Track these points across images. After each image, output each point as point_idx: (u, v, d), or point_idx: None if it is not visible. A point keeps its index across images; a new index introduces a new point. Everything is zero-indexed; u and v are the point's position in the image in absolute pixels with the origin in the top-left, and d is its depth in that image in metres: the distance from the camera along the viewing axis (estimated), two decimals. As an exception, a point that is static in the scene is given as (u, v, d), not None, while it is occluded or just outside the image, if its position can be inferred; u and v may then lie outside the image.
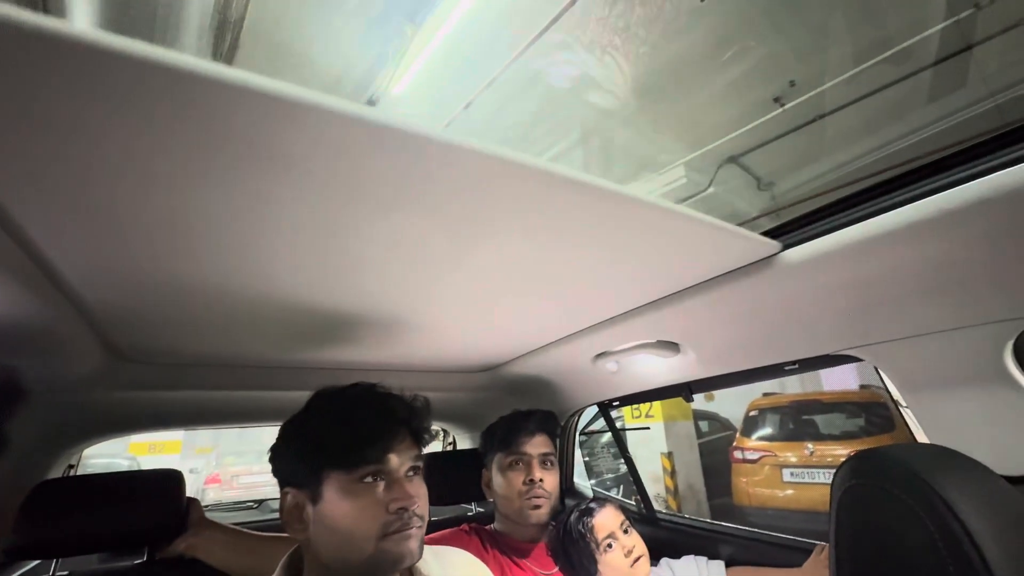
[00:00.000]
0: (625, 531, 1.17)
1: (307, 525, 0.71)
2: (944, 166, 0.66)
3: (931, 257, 0.71)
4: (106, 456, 7.52)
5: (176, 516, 1.12)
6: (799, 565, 1.11)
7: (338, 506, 0.70)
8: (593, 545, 1.14)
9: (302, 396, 0.82)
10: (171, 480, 1.14)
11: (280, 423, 0.79)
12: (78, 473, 1.44)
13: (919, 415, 0.88)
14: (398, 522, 0.71)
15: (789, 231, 0.80)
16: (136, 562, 1.13)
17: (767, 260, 0.82)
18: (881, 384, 0.99)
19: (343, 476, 0.71)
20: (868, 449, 0.59)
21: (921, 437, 0.90)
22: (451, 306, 0.96)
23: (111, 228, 0.59)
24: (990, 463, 0.59)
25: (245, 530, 1.19)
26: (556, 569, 1.26)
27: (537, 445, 1.32)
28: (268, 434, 0.84)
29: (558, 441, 1.70)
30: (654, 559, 1.36)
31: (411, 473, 0.77)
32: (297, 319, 0.96)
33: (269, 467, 0.78)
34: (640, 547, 1.16)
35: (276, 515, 0.78)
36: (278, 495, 0.76)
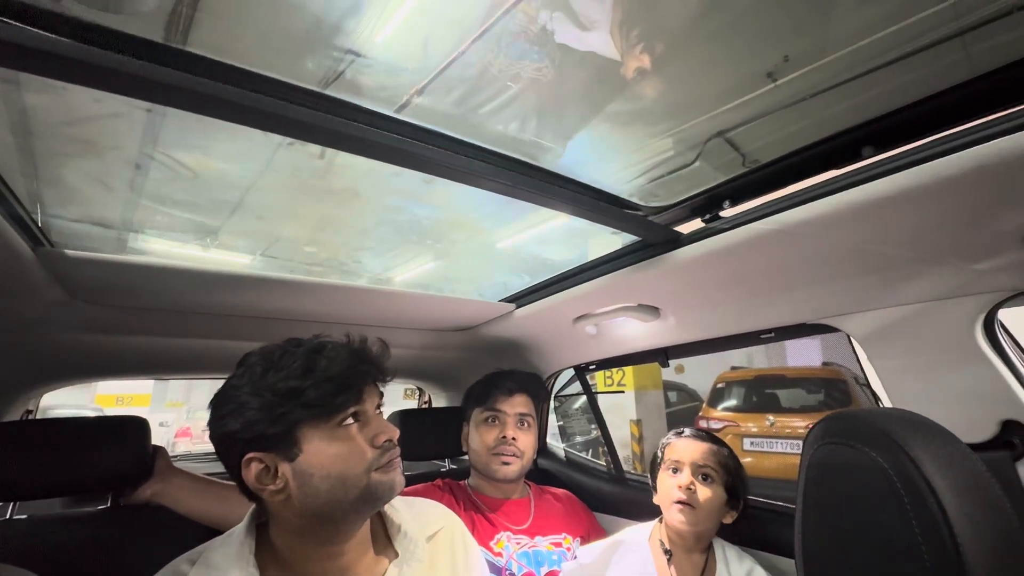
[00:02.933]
0: (704, 477, 1.03)
1: (285, 483, 0.69)
2: (918, 133, 0.67)
3: (908, 230, 0.72)
4: (71, 407, 7.36)
5: (141, 463, 1.09)
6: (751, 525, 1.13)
7: (324, 454, 0.69)
8: (660, 458, 1.11)
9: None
10: (135, 426, 1.11)
11: None
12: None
13: (887, 384, 0.90)
14: (385, 455, 0.73)
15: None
16: (99, 507, 1.11)
17: (748, 226, 0.82)
18: (848, 357, 1.02)
19: (322, 425, 0.70)
20: (842, 411, 0.60)
21: (882, 405, 0.93)
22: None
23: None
24: (953, 431, 0.61)
25: (214, 479, 1.17)
26: (527, 525, 1.29)
27: (515, 404, 1.33)
28: None
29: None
30: (622, 514, 1.42)
31: (379, 410, 0.78)
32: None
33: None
34: (701, 497, 1.01)
35: None
36: None
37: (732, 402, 5.75)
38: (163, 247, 1.17)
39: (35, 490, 1.00)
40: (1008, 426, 0.78)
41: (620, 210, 0.89)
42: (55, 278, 0.93)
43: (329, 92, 0.63)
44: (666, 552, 1.05)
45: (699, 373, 7.92)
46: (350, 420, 0.72)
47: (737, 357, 8.10)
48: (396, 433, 0.75)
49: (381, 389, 0.80)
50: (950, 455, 0.56)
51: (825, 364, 6.47)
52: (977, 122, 0.63)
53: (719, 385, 6.01)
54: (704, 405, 6.03)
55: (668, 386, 7.50)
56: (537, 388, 1.41)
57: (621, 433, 6.12)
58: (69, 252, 0.84)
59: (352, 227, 1.14)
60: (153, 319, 1.17)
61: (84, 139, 0.76)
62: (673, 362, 1.38)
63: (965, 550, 0.47)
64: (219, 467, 1.24)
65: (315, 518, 0.71)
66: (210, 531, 0.78)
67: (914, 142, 0.68)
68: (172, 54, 0.55)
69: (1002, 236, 0.68)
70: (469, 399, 1.40)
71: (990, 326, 0.80)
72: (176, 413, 9.58)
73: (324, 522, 0.72)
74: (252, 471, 0.69)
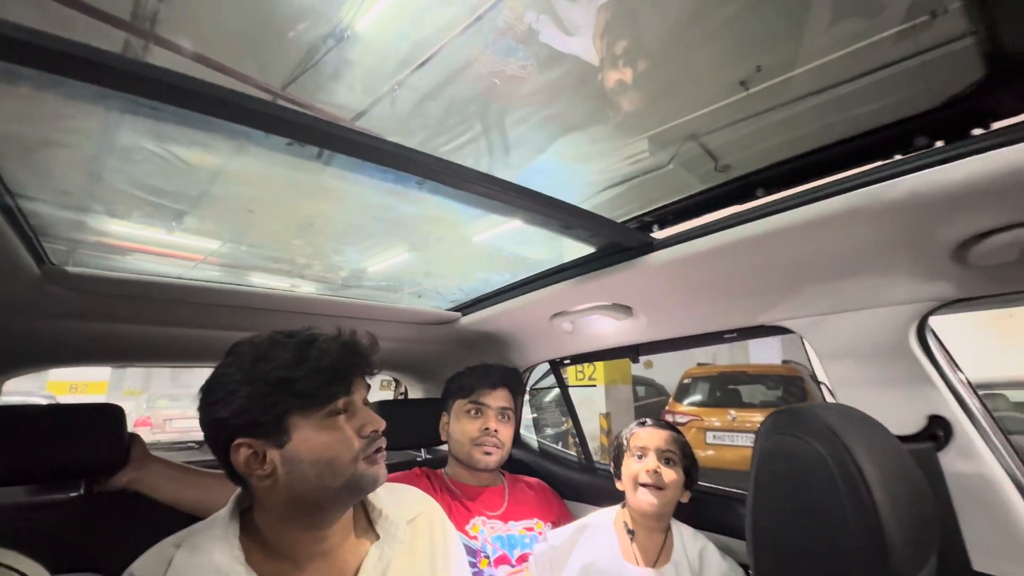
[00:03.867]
0: (667, 460, 1.12)
1: (273, 469, 0.71)
2: (870, 158, 0.75)
3: (854, 244, 0.81)
4: (21, 394, 7.01)
5: (117, 451, 1.09)
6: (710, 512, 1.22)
7: (313, 442, 0.72)
8: (625, 446, 1.19)
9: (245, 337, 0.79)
10: (111, 414, 1.10)
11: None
12: None
13: (833, 381, 1.00)
14: (370, 446, 0.76)
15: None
16: (72, 494, 1.10)
17: (715, 235, 0.89)
18: (805, 356, 1.11)
19: (312, 414, 0.72)
20: (790, 406, 0.68)
21: (832, 400, 1.03)
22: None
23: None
24: (887, 423, 0.70)
25: (193, 467, 1.18)
26: (502, 510, 1.35)
27: (498, 398, 1.38)
28: (204, 378, 0.79)
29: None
30: (592, 502, 1.49)
31: (365, 401, 0.80)
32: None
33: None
34: (666, 481, 1.09)
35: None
36: None
37: (697, 397, 5.97)
38: (125, 229, 1.14)
39: (6, 476, 0.98)
40: (934, 420, 0.88)
41: (597, 216, 0.94)
42: (32, 257, 0.91)
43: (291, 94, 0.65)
44: (629, 532, 1.13)
45: (667, 369, 8.16)
46: (339, 410, 0.75)
47: (703, 353, 8.38)
48: (383, 424, 0.78)
49: (369, 381, 0.82)
50: (880, 446, 0.64)
51: (785, 362, 6.79)
52: (915, 152, 0.71)
53: (685, 380, 6.23)
54: (671, 400, 6.24)
55: (637, 381, 7.71)
56: (517, 383, 1.47)
57: (591, 426, 6.27)
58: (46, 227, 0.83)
59: (332, 219, 1.15)
60: (126, 306, 1.16)
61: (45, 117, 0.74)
62: (643, 358, 1.46)
63: (886, 524, 0.55)
64: (190, 456, 1.23)
65: (301, 504, 0.73)
66: (190, 518, 0.80)
67: (865, 165, 0.76)
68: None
69: (934, 253, 0.76)
70: (451, 390, 1.44)
71: (922, 332, 0.90)
72: (135, 402, 9.25)
73: (309, 508, 0.74)
74: (241, 456, 0.71)
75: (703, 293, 1.06)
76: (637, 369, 7.94)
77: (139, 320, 1.23)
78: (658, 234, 1.02)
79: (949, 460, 0.86)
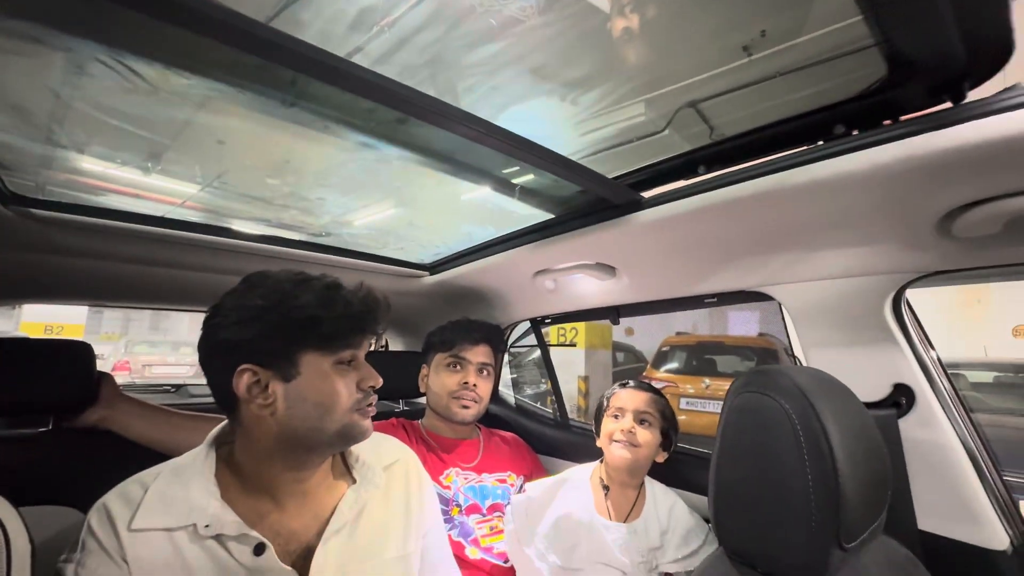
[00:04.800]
0: (641, 421, 1.14)
1: (273, 400, 0.72)
2: (860, 124, 0.73)
3: (842, 211, 0.80)
4: (-8, 333, 6.87)
5: (84, 388, 1.07)
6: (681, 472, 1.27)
7: (320, 384, 0.73)
8: (605, 406, 1.22)
9: (223, 280, 0.78)
10: (79, 350, 1.08)
11: (197, 307, 0.75)
12: None
13: (806, 347, 1.01)
14: (366, 400, 0.78)
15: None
16: (40, 430, 1.08)
17: (703, 196, 0.87)
18: (783, 330, 1.12)
19: (322, 358, 0.73)
20: (763, 367, 0.68)
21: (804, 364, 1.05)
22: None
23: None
24: (854, 389, 0.71)
25: (165, 408, 1.17)
26: (476, 462, 1.38)
27: (478, 354, 1.39)
28: (185, 325, 0.78)
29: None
30: (564, 457, 1.53)
31: (365, 358, 0.81)
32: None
33: (185, 359, 0.74)
34: (640, 439, 1.12)
35: (196, 400, 0.76)
36: (196, 383, 0.73)
37: (674, 365, 6.13)
38: (98, 167, 1.09)
39: None
40: (898, 388, 0.91)
41: (587, 169, 0.91)
42: None
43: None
44: (604, 488, 1.16)
45: (647, 337, 8.33)
46: (348, 359, 0.76)
47: (682, 323, 8.56)
48: (380, 381, 0.79)
49: (374, 339, 0.83)
50: (845, 408, 0.65)
51: (761, 335, 6.97)
52: (912, 115, 0.69)
53: (663, 348, 6.37)
54: (648, 366, 6.39)
55: (617, 347, 7.86)
56: (499, 340, 1.48)
57: (569, 388, 6.42)
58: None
59: (315, 164, 1.10)
60: (99, 243, 1.12)
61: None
62: (624, 324, 1.47)
63: (843, 480, 0.56)
64: (167, 400, 1.21)
65: (290, 441, 0.74)
66: (162, 458, 0.79)
67: (856, 130, 0.74)
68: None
69: (919, 223, 0.76)
70: (432, 343, 1.44)
71: (898, 303, 0.91)
72: (113, 346, 9.13)
73: (297, 448, 0.75)
74: (244, 381, 0.71)
75: (687, 255, 1.06)
76: (618, 335, 8.08)
77: (113, 258, 1.19)
78: (646, 193, 1.00)
79: (908, 427, 0.90)
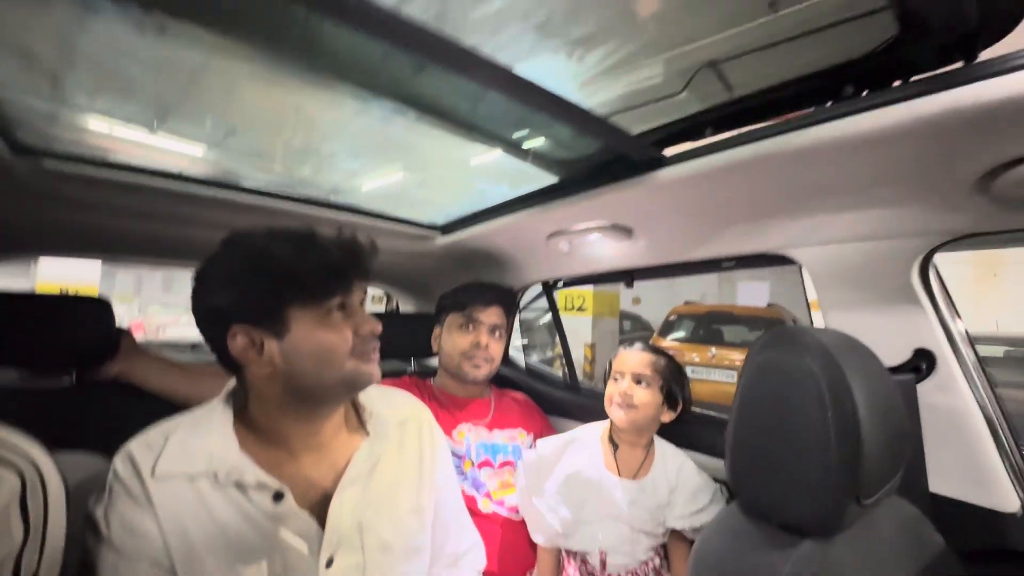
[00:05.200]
0: (638, 381, 1.15)
1: (271, 358, 0.72)
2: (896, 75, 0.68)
3: (874, 168, 0.76)
4: (8, 292, 6.99)
5: (104, 341, 1.09)
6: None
7: (312, 336, 0.72)
8: (608, 369, 1.24)
9: None
10: (98, 306, 1.10)
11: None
12: None
13: (826, 310, 1.00)
14: (366, 344, 0.77)
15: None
16: (64, 383, 1.11)
17: (728, 152, 0.84)
18: (801, 287, 1.10)
19: (311, 308, 0.72)
20: (786, 326, 0.67)
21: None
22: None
23: None
24: (876, 353, 0.70)
25: (183, 363, 1.19)
26: (487, 420, 1.40)
27: (491, 315, 1.40)
28: None
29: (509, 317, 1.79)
30: (573, 417, 1.55)
31: (362, 303, 0.81)
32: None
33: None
34: (637, 400, 1.13)
35: (214, 358, 0.76)
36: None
37: (681, 333, 6.14)
38: (103, 126, 1.06)
39: None
40: (919, 353, 0.90)
41: (609, 124, 0.88)
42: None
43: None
44: (613, 445, 1.18)
45: (655, 306, 8.32)
46: (337, 307, 0.75)
47: (690, 292, 8.52)
48: (379, 327, 0.79)
49: (367, 283, 0.82)
50: (867, 368, 0.64)
51: (769, 306, 6.94)
52: (953, 67, 0.64)
53: (671, 317, 6.37)
54: (655, 335, 6.41)
55: (623, 316, 7.87)
56: (511, 303, 1.49)
57: (575, 355, 6.47)
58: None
59: (327, 117, 1.06)
60: (106, 193, 1.11)
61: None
62: (631, 293, 1.46)
63: (865, 440, 0.56)
64: (184, 358, 1.23)
65: (296, 394, 0.75)
66: (181, 410, 0.81)
67: (893, 83, 0.69)
68: None
69: (957, 182, 0.73)
70: (445, 305, 1.46)
71: (925, 267, 0.88)
72: (127, 307, 9.31)
73: (305, 400, 0.76)
74: (238, 343, 0.71)
75: (709, 216, 1.03)
76: (625, 304, 8.08)
77: (123, 213, 1.18)
78: (667, 151, 0.97)
79: (926, 391, 0.89)
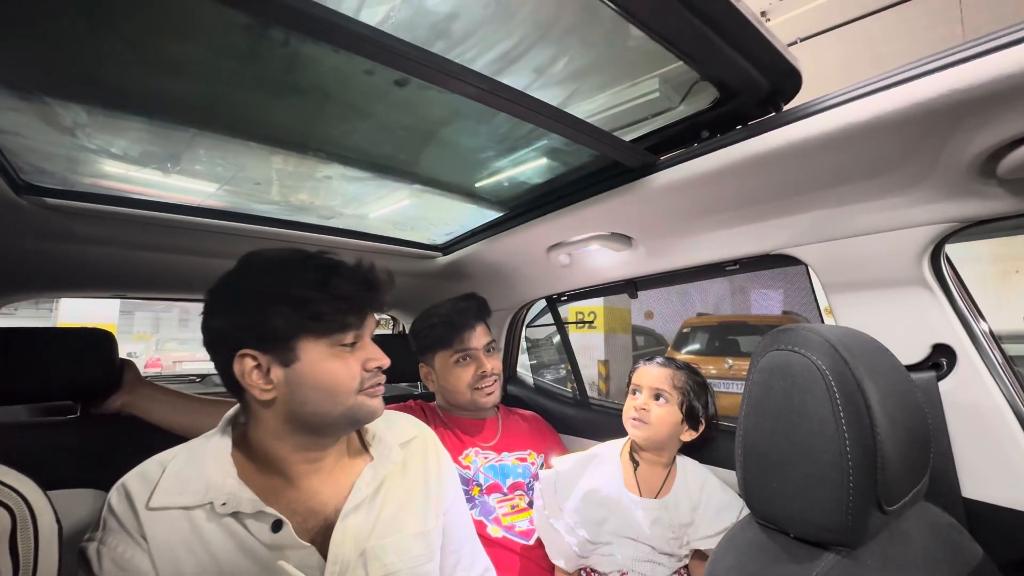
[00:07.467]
0: (656, 397, 1.11)
1: (276, 386, 0.71)
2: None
3: (866, 159, 0.74)
4: (30, 335, 7.14)
5: (108, 375, 1.09)
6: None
7: (320, 367, 0.71)
8: (627, 383, 1.21)
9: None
10: (101, 339, 1.10)
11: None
12: None
13: (838, 310, 0.96)
14: (372, 379, 0.76)
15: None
16: (69, 417, 1.11)
17: (721, 152, 0.82)
18: (811, 289, 1.07)
19: (323, 340, 0.71)
20: (793, 324, 0.64)
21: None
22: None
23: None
24: (893, 351, 0.67)
25: (186, 393, 1.18)
26: (495, 442, 1.36)
27: (480, 337, 1.35)
28: None
29: (505, 331, 1.77)
30: (585, 435, 1.51)
31: (371, 337, 0.80)
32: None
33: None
34: (651, 417, 1.09)
35: (221, 389, 0.75)
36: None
37: (695, 346, 6.01)
38: (120, 170, 1.09)
39: (1, 395, 0.99)
40: (938, 349, 0.85)
41: (600, 130, 0.87)
42: (7, 173, 0.88)
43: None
44: (634, 463, 1.14)
45: (668, 320, 8.21)
46: (349, 341, 0.74)
47: (703, 306, 8.40)
48: (387, 362, 0.78)
49: (378, 317, 0.81)
50: (880, 364, 0.61)
51: (785, 313, 6.80)
52: (945, 49, 0.63)
53: (684, 330, 6.26)
54: (669, 348, 6.29)
55: (636, 331, 7.77)
56: (485, 311, 1.41)
57: (589, 372, 6.38)
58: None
59: (318, 135, 1.06)
60: (116, 230, 1.13)
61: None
62: (643, 308, 1.42)
63: (881, 437, 0.52)
64: (192, 390, 1.23)
65: (298, 424, 0.73)
66: (183, 441, 0.80)
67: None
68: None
69: (958, 165, 0.70)
70: (427, 344, 1.37)
71: (936, 258, 0.85)
72: (144, 345, 9.46)
73: (306, 430, 0.74)
74: (245, 366, 0.70)
75: (707, 219, 1.01)
76: (637, 319, 7.98)
77: (130, 247, 1.20)
78: (661, 156, 0.95)
79: (949, 389, 0.84)
